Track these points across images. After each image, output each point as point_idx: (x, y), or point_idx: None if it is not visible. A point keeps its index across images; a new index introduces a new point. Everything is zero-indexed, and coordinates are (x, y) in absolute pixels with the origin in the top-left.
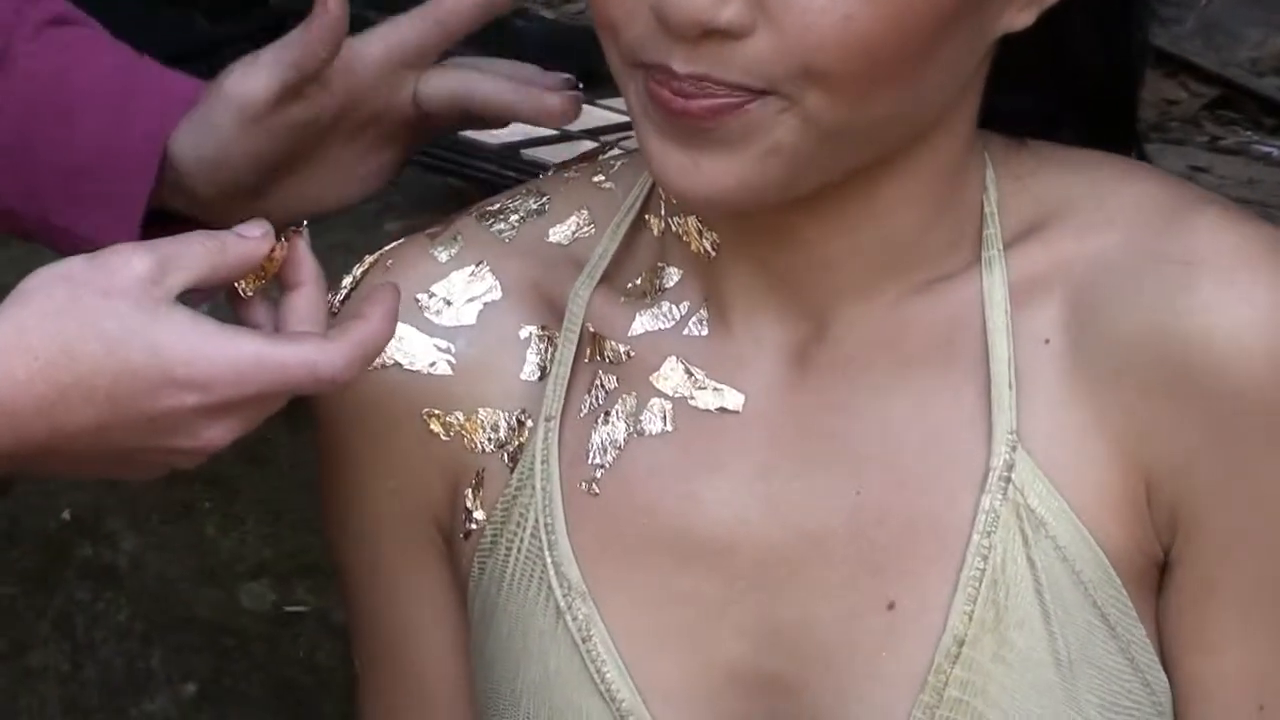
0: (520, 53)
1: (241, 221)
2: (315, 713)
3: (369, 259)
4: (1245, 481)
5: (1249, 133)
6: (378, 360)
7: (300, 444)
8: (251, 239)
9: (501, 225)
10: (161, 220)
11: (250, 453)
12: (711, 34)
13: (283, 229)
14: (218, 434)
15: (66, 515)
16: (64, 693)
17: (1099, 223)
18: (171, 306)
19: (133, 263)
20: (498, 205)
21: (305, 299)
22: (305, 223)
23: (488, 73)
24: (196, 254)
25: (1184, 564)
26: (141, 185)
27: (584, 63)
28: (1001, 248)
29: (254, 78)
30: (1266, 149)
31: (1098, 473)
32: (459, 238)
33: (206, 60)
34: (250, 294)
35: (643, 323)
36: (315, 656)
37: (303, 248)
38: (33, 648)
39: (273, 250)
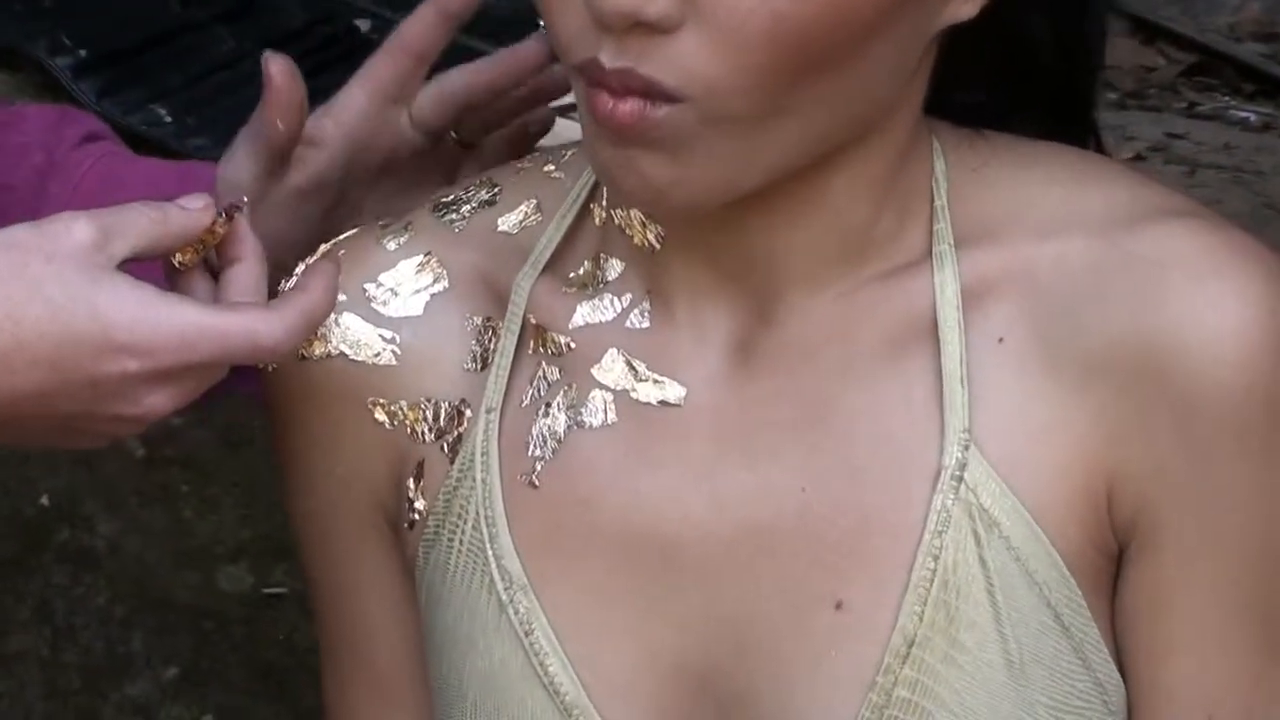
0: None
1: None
2: (295, 694)
3: (322, 248)
4: (1209, 489)
5: (1226, 98)
6: (323, 350)
7: None
8: (193, 211)
9: (453, 215)
10: None
11: (227, 435)
12: (640, 27)
13: (224, 205)
14: (159, 401)
15: (44, 500)
16: (44, 677)
17: (1061, 223)
18: (114, 273)
19: (75, 230)
20: (451, 196)
21: (245, 272)
22: (245, 199)
23: (458, 68)
24: (139, 223)
25: (1140, 567)
26: None
27: None
28: (952, 242)
29: (233, 166)
30: (1243, 114)
31: (1056, 473)
32: (409, 227)
33: (177, 42)
34: (185, 266)
35: (583, 314)
36: (294, 638)
37: (243, 223)
38: (12, 633)
39: (214, 224)
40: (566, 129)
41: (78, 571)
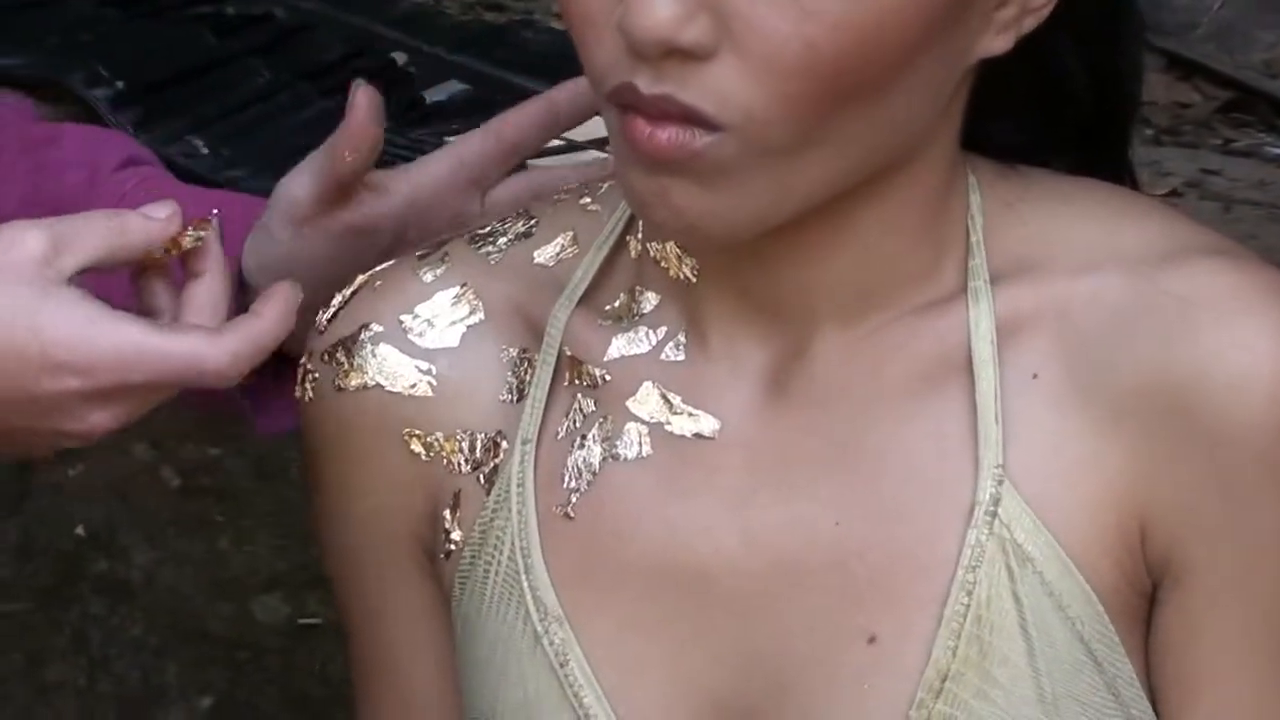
0: (525, 63)
1: None
2: None
3: (359, 279)
4: (1240, 527)
5: (1261, 134)
6: (359, 381)
7: None
8: (156, 220)
9: (489, 248)
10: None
11: (261, 466)
12: (675, 54)
13: (191, 219)
14: (103, 419)
15: (80, 531)
16: (80, 707)
17: (1095, 260)
18: (61, 288)
19: (27, 241)
20: (488, 228)
21: (205, 288)
22: (216, 211)
23: (555, 167)
24: (95, 234)
25: (1172, 605)
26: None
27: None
28: (988, 278)
29: (297, 180)
30: (1278, 150)
31: (1089, 509)
32: (446, 259)
33: (213, 74)
34: (145, 278)
35: (619, 346)
36: (329, 668)
37: (212, 238)
38: (49, 663)
39: (179, 235)
40: (598, 124)
41: (114, 602)
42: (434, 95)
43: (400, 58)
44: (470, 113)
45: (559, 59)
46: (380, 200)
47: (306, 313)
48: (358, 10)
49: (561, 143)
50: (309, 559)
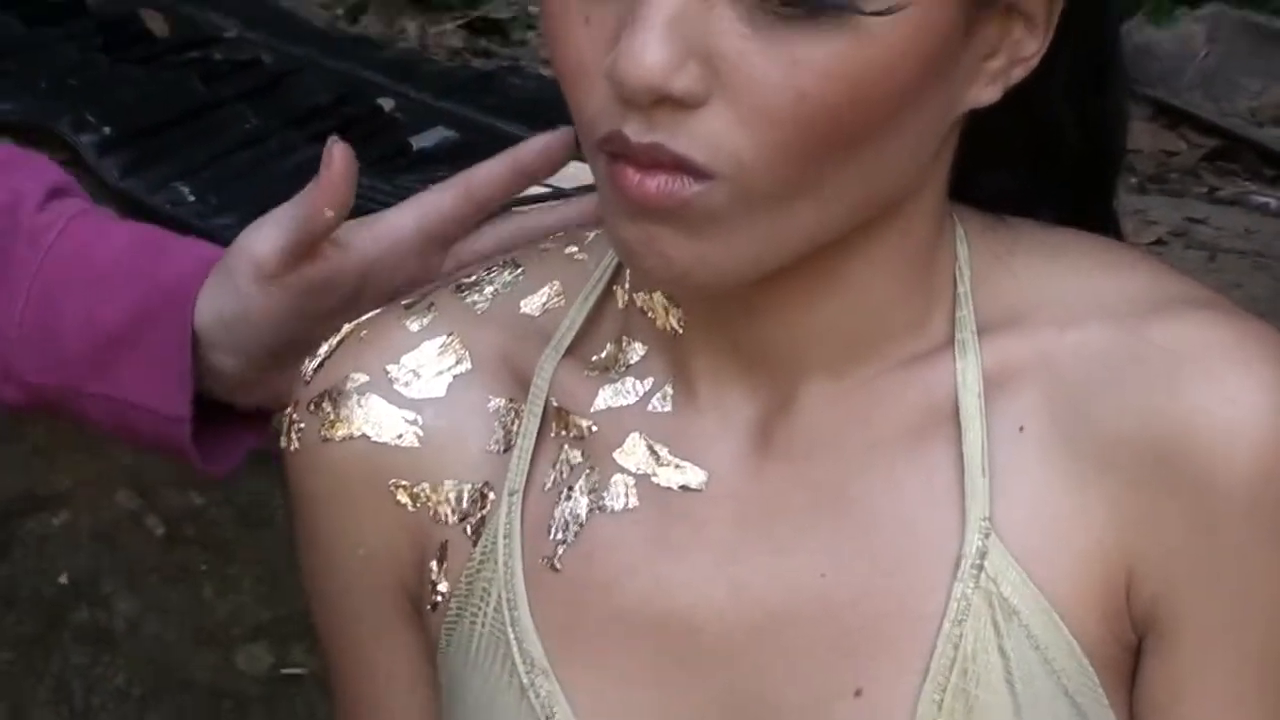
0: (513, 110)
1: (265, 402)
2: None
3: (345, 328)
4: (1225, 581)
5: (1247, 183)
6: (345, 431)
7: None
8: None
9: (476, 296)
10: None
11: (246, 515)
12: (665, 102)
13: None
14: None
15: (64, 579)
16: None
17: (1082, 313)
18: None
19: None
20: (474, 277)
21: None
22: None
23: (517, 221)
24: None
25: (1158, 659)
26: (178, 334)
27: None
28: (975, 330)
29: (263, 235)
30: (1264, 199)
31: (1076, 562)
32: (432, 308)
33: (201, 120)
34: None
35: (606, 397)
36: (313, 718)
37: None
38: (31, 711)
39: None
40: (584, 171)
41: (97, 651)
42: (421, 141)
43: (387, 104)
44: (457, 159)
45: (546, 105)
46: (343, 256)
47: (259, 366)
48: (345, 57)
49: (548, 189)
50: (293, 609)
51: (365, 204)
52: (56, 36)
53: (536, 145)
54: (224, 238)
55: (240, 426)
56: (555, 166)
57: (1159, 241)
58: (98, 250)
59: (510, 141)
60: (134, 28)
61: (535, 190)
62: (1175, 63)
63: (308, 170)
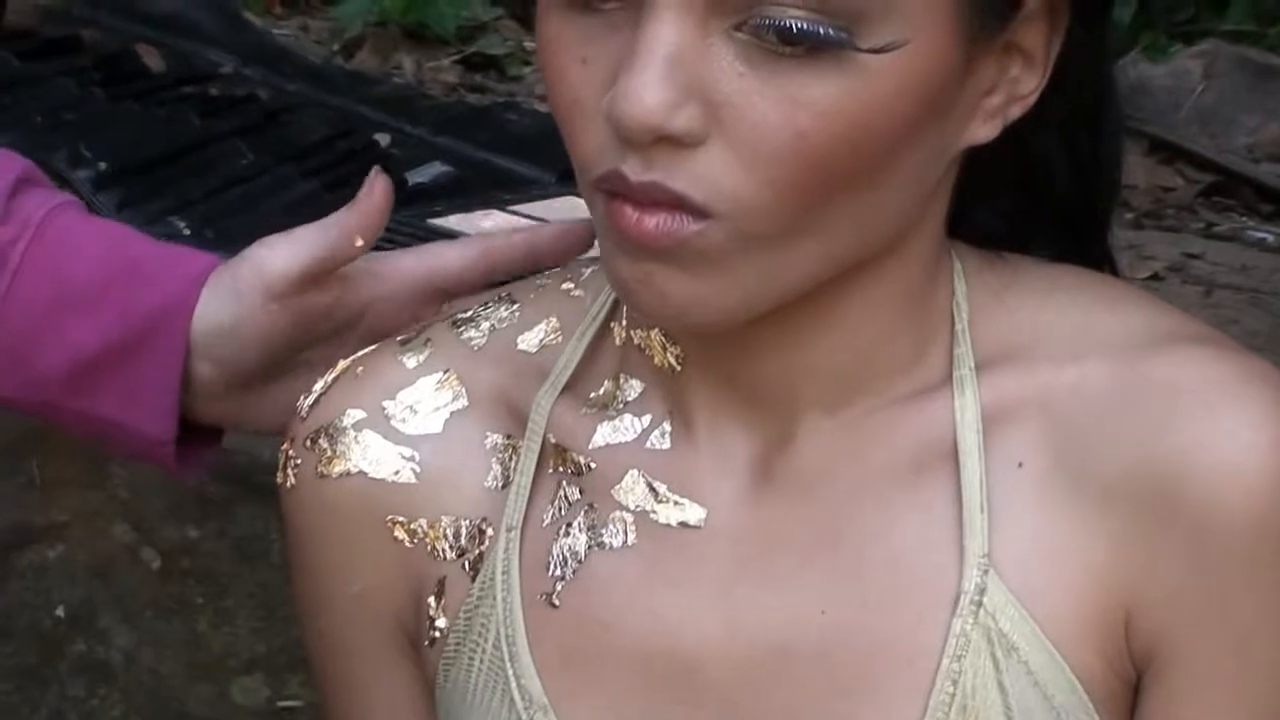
0: (509, 145)
1: (223, 419)
2: None
3: (341, 364)
4: (1224, 618)
5: (1244, 219)
6: (342, 468)
7: None
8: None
9: (472, 332)
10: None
11: (242, 548)
12: (664, 141)
13: None
14: None
15: (60, 612)
16: None
17: (1079, 350)
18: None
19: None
20: (470, 312)
21: None
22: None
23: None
24: None
25: (1157, 695)
26: (168, 359)
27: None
28: (974, 366)
29: (282, 251)
30: (1261, 234)
31: (1074, 598)
32: (429, 344)
33: (196, 156)
34: None
35: (604, 434)
36: None
37: None
38: None
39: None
40: (581, 206)
41: (93, 683)
42: (416, 177)
43: (383, 139)
44: (453, 194)
45: (542, 141)
46: (347, 289)
47: (236, 384)
48: (341, 92)
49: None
50: (289, 641)
51: None
52: (52, 71)
53: (555, 231)
54: None
55: (200, 439)
56: (570, 256)
57: (1155, 277)
58: (69, 269)
59: (506, 177)
60: (130, 63)
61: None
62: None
63: (304, 205)
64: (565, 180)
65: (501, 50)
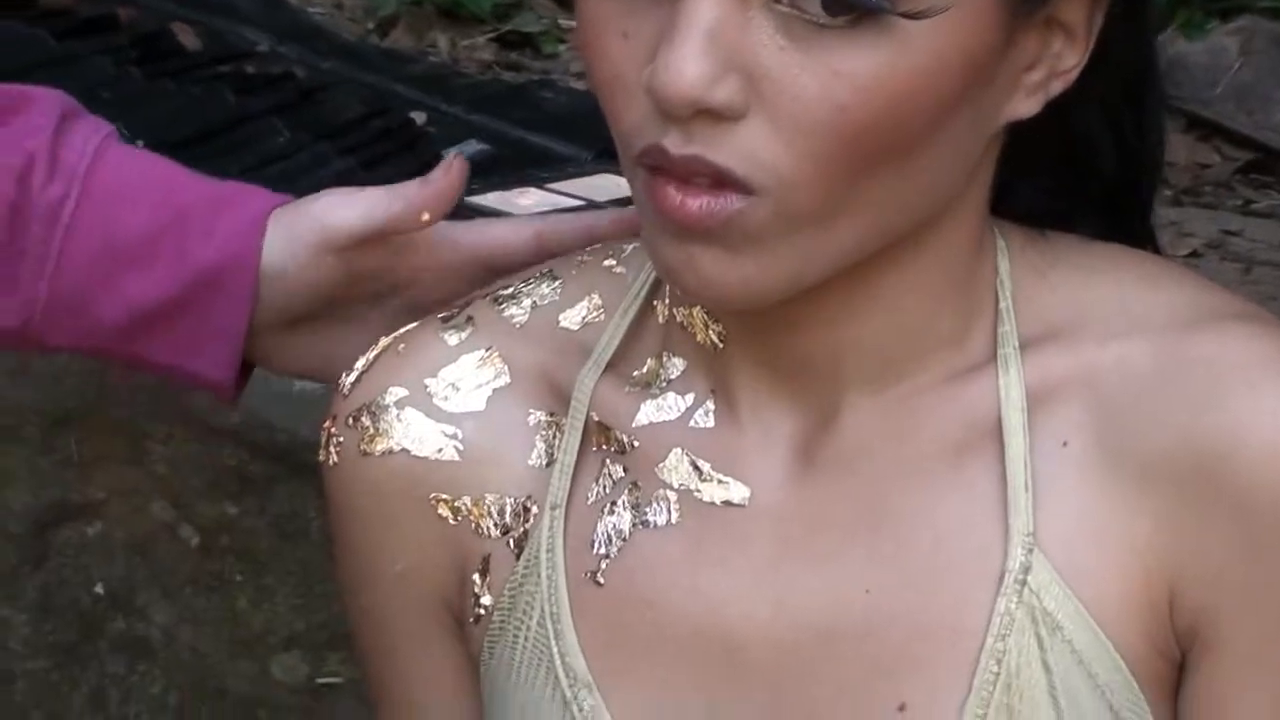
0: (545, 123)
1: (258, 364)
2: None
3: (382, 342)
4: (1269, 596)
5: None
6: (384, 446)
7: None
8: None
9: (514, 309)
10: None
11: (281, 525)
12: (704, 114)
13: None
14: None
15: (99, 589)
16: None
17: (1122, 328)
18: None
19: None
20: (511, 289)
21: None
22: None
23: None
24: None
25: (1201, 673)
26: (236, 307)
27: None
28: (1018, 345)
29: (346, 209)
30: None
31: (1118, 577)
32: (471, 321)
33: (233, 133)
34: None
35: (647, 412)
36: None
37: None
38: None
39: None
40: (621, 184)
41: (132, 660)
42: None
43: (419, 117)
44: (489, 172)
45: (578, 119)
46: (403, 257)
47: (275, 329)
48: (376, 70)
49: (583, 202)
50: (329, 618)
51: None
52: (88, 50)
53: (614, 218)
54: None
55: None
56: (626, 241)
57: (1194, 254)
58: (119, 224)
59: (542, 155)
60: (166, 42)
61: (567, 202)
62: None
63: (340, 183)
64: (601, 158)
65: (537, 28)
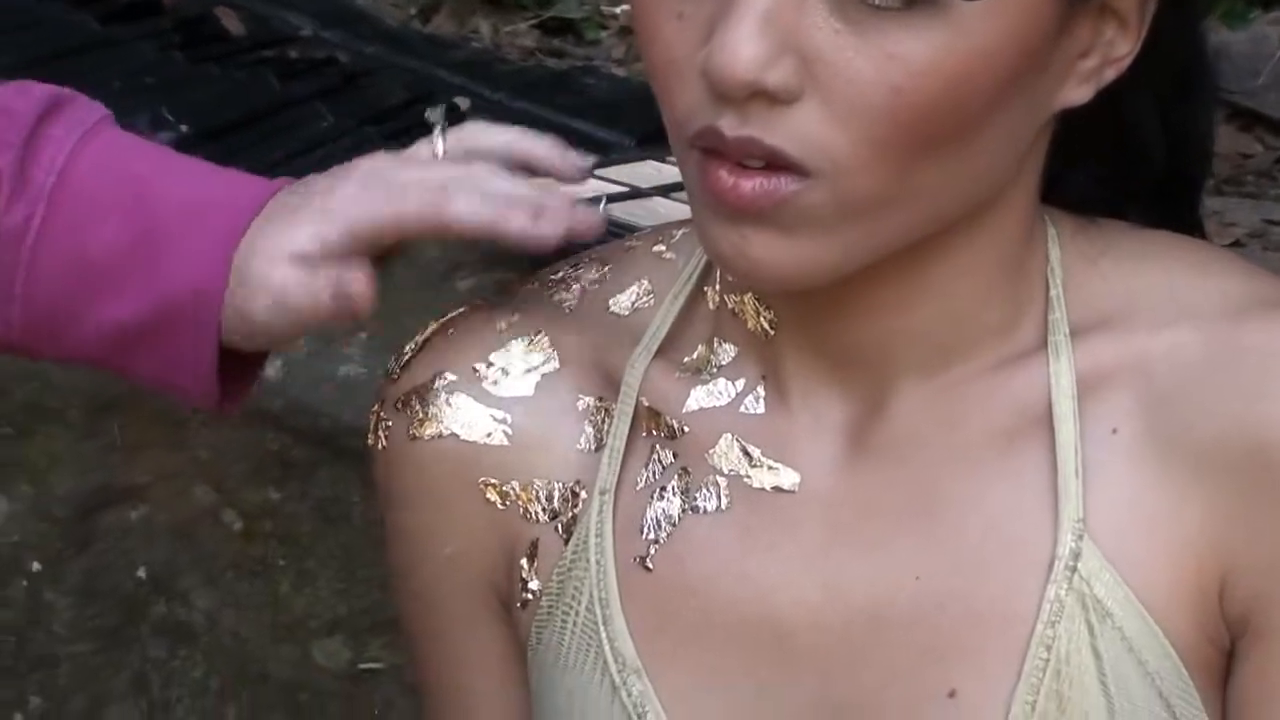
0: (587, 109)
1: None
2: None
3: (431, 326)
4: None
5: None
6: (434, 430)
7: (373, 501)
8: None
9: (563, 294)
10: None
11: (323, 510)
12: (759, 97)
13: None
14: None
15: (142, 573)
16: None
17: (1173, 316)
18: None
19: None
20: (560, 274)
21: None
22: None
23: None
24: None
25: (1251, 662)
26: (205, 334)
27: (652, 120)
28: (1069, 333)
29: (308, 228)
30: None
31: (1169, 564)
32: (520, 306)
33: (276, 118)
34: None
35: (698, 398)
36: (390, 714)
37: None
38: (109, 705)
39: None
40: (663, 171)
41: (174, 645)
42: None
43: (462, 103)
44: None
45: (621, 105)
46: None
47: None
48: (419, 56)
49: (626, 189)
50: (371, 603)
51: None
52: (132, 35)
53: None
54: None
55: (249, 363)
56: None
57: (1237, 243)
58: (88, 243)
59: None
60: (210, 27)
61: (610, 188)
62: (1250, 64)
63: None
64: (645, 144)
65: (579, 14)
